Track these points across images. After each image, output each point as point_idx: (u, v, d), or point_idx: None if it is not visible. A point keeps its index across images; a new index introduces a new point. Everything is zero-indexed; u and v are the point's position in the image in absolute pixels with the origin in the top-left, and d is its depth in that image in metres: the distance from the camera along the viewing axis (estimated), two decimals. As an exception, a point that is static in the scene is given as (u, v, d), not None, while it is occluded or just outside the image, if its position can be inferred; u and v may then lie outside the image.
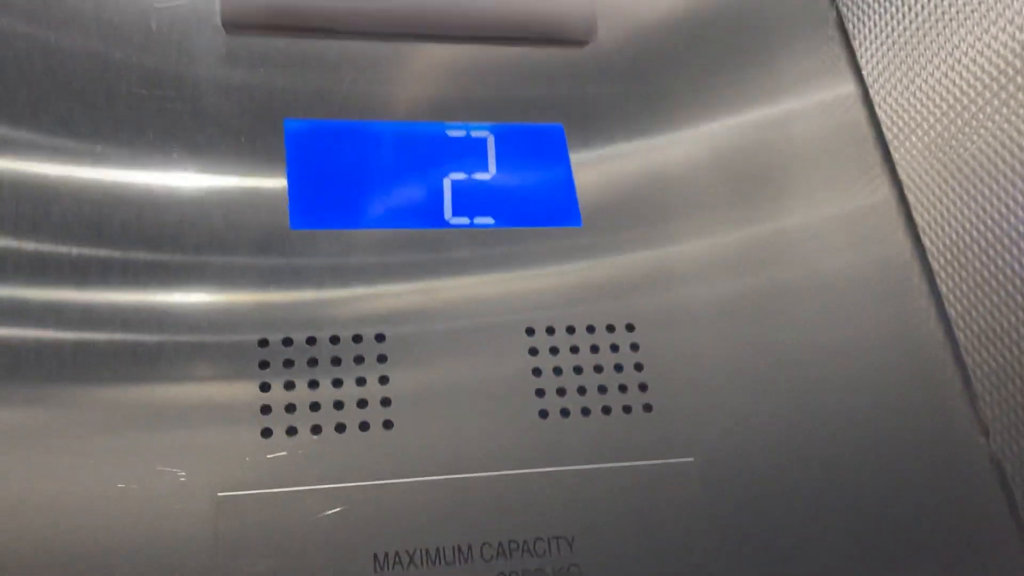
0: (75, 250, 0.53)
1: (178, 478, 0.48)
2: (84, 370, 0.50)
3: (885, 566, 0.55)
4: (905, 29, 0.64)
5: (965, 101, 0.59)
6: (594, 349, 0.57)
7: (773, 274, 0.62)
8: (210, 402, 0.51)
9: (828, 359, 0.60)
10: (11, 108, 0.55)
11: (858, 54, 0.69)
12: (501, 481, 0.52)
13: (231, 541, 0.47)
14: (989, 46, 0.57)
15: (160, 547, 0.47)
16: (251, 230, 0.55)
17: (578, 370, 0.56)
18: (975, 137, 0.59)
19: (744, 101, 0.67)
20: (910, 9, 0.64)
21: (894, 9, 0.65)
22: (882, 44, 0.66)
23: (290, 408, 0.51)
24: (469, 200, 0.60)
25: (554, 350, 0.57)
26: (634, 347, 0.58)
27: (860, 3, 0.68)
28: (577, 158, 0.63)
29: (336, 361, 0.53)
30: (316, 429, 0.51)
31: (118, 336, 0.51)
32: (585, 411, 0.55)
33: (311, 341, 0.53)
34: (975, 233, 0.59)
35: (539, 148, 0.63)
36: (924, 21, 0.62)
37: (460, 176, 0.61)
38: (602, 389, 0.56)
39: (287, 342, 0.53)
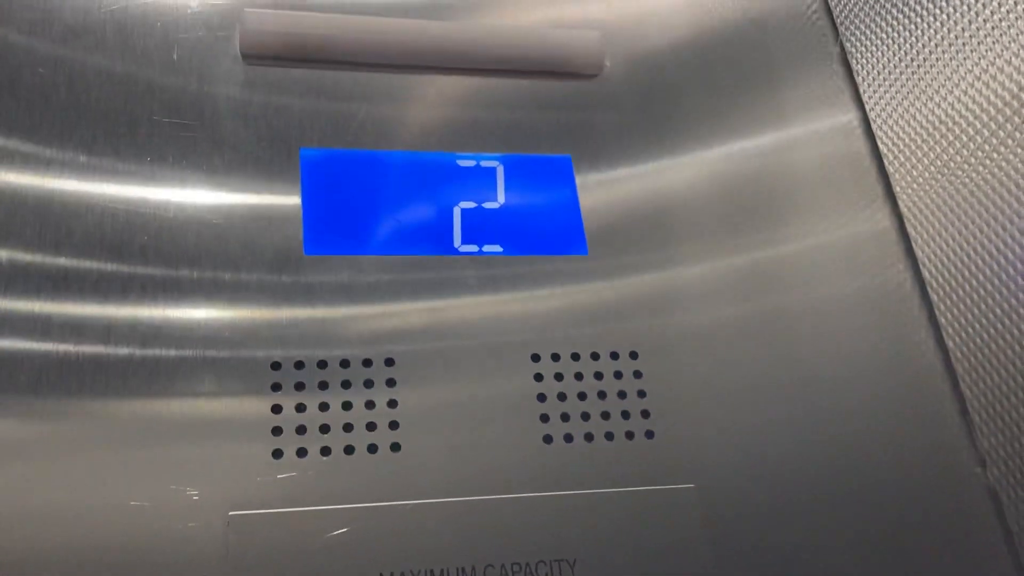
0: (96, 268, 0.54)
1: (190, 496, 0.49)
2: (103, 386, 0.51)
3: (882, 595, 0.55)
4: (908, 65, 0.65)
5: (967, 136, 0.60)
6: (598, 376, 0.58)
7: (775, 303, 0.63)
8: (224, 422, 0.52)
9: (829, 388, 0.60)
10: (38, 131, 0.56)
11: (861, 88, 0.70)
12: (505, 504, 0.52)
13: (241, 559, 0.48)
14: (991, 82, 0.58)
15: (172, 564, 0.47)
16: (266, 254, 0.57)
17: (582, 396, 0.57)
18: (977, 170, 0.59)
19: (748, 133, 0.68)
20: (912, 46, 0.64)
21: (896, 47, 0.66)
22: (885, 79, 0.67)
23: (301, 430, 0.52)
24: (478, 228, 0.61)
25: (559, 376, 0.57)
26: (637, 374, 0.59)
27: (863, 39, 0.69)
28: (584, 186, 0.64)
29: (346, 384, 0.54)
30: (326, 451, 0.52)
31: (137, 353, 0.52)
32: (588, 437, 0.56)
33: (322, 364, 0.54)
34: (974, 268, 0.60)
35: (547, 178, 0.64)
36: (927, 57, 0.63)
37: (470, 205, 0.62)
38: (605, 415, 0.57)
39: (299, 365, 0.54)
